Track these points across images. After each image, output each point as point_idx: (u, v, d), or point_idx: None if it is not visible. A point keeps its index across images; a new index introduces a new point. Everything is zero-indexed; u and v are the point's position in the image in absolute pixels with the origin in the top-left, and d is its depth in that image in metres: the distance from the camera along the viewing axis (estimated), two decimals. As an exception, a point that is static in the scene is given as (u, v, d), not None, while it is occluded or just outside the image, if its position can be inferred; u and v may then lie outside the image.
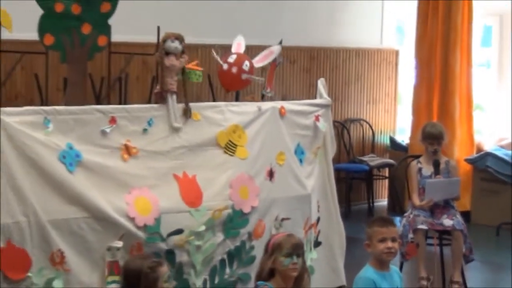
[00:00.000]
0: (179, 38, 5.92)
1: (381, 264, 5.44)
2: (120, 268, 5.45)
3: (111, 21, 6.83)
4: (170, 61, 5.88)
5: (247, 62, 6.55)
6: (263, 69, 6.86)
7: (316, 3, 10.90)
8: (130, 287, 4.74)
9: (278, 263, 5.20)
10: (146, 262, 4.86)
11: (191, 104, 6.18)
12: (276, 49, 6.86)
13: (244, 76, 6.58)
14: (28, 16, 6.95)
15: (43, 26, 6.37)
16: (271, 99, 6.81)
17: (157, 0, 9.18)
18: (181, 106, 5.96)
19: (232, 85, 6.80)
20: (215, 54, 6.53)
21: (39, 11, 6.36)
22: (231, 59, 6.53)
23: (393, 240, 5.36)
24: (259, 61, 6.79)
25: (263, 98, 6.85)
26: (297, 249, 5.29)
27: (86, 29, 6.50)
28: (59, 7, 6.34)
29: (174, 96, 5.90)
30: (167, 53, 5.89)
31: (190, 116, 5.99)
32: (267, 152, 6.40)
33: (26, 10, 7.25)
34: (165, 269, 4.84)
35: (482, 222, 10.23)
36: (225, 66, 6.50)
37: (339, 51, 11.32)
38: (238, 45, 6.79)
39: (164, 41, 5.90)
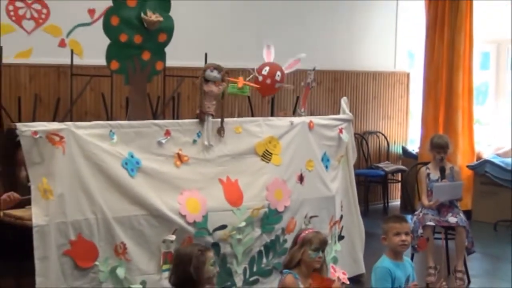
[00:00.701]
0: (218, 68, 5.92)
1: (396, 255, 5.40)
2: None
3: (166, 49, 6.85)
4: (209, 87, 5.88)
5: (279, 73, 6.56)
6: (299, 92, 6.85)
7: (338, 33, 10.86)
8: (181, 269, 4.71)
9: (306, 255, 5.17)
10: (196, 247, 4.85)
11: (235, 119, 6.19)
12: (302, 57, 6.82)
13: (277, 85, 6.57)
14: (96, 45, 6.98)
15: (110, 54, 6.39)
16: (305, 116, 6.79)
17: (205, 31, 9.19)
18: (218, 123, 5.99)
19: (267, 92, 6.79)
20: (252, 70, 6.53)
21: (106, 41, 6.37)
22: (265, 71, 6.52)
23: (406, 234, 5.34)
24: (287, 68, 6.76)
25: (294, 113, 6.82)
26: (323, 245, 5.27)
27: (146, 56, 6.52)
28: (123, 38, 6.36)
29: (210, 118, 5.90)
30: (207, 81, 5.89)
31: (223, 135, 5.97)
32: (297, 160, 6.38)
33: (95, 40, 7.29)
34: (211, 255, 4.82)
35: (481, 219, 10.14)
36: (260, 78, 6.48)
37: (358, 74, 11.27)
38: (268, 53, 6.74)
39: (205, 70, 5.91)
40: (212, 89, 5.88)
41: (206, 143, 5.86)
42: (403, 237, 5.31)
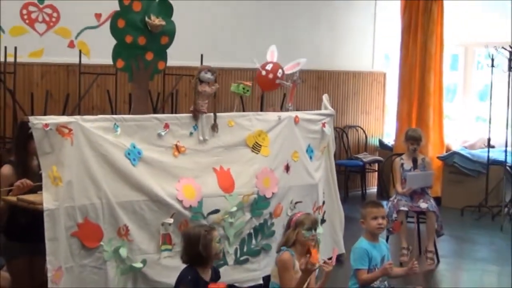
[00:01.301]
0: (211, 70, 5.89)
1: (372, 237, 5.41)
2: (172, 239, 5.46)
3: (166, 50, 6.84)
4: (203, 87, 5.85)
5: (280, 70, 6.57)
6: (286, 89, 6.85)
7: (322, 36, 10.85)
8: (191, 248, 4.73)
9: (300, 235, 5.16)
10: (203, 228, 4.87)
11: (228, 114, 6.18)
12: (302, 62, 6.82)
13: (277, 81, 6.56)
14: (102, 46, 6.96)
15: (116, 53, 6.36)
16: (290, 111, 6.78)
17: (200, 34, 9.17)
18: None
19: (267, 87, 6.79)
20: (256, 62, 6.50)
21: (111, 42, 6.35)
22: (269, 67, 6.51)
23: (383, 218, 5.37)
24: (288, 69, 6.76)
25: (282, 109, 6.81)
26: (315, 224, 5.27)
27: (149, 56, 6.49)
28: (128, 39, 6.33)
29: (204, 116, 5.87)
30: (201, 81, 5.86)
31: (217, 131, 5.95)
32: (284, 151, 6.37)
33: (101, 41, 7.27)
34: (216, 233, 4.84)
35: (450, 205, 10.16)
36: (264, 72, 6.46)
37: (340, 73, 11.26)
38: (272, 53, 6.74)
39: (199, 72, 5.88)
40: (205, 89, 5.86)
41: (201, 138, 5.84)
42: (380, 220, 5.33)
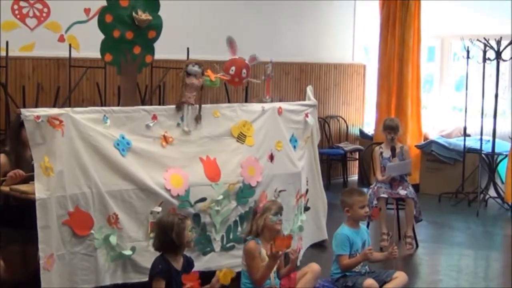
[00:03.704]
0: (199, 63, 5.88)
1: (354, 223, 5.44)
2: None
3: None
4: (190, 80, 5.84)
5: (244, 70, 6.41)
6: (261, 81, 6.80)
7: (304, 29, 10.83)
8: (164, 235, 4.72)
9: (268, 220, 5.20)
10: (176, 216, 4.86)
11: (213, 105, 6.16)
12: (257, 56, 6.62)
13: (245, 81, 6.50)
14: (91, 40, 6.92)
15: (104, 47, 6.33)
16: (270, 102, 6.76)
17: (186, 28, 9.14)
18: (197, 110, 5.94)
19: (237, 85, 6.69)
20: (218, 69, 6.38)
21: (100, 36, 6.31)
22: (232, 71, 6.35)
23: (368, 206, 5.42)
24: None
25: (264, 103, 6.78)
26: (281, 210, 5.35)
27: (137, 50, 6.47)
28: (116, 33, 6.30)
29: (190, 107, 5.85)
30: (189, 74, 5.84)
31: (200, 122, 5.92)
32: (268, 141, 6.36)
33: (90, 35, 7.23)
34: (189, 222, 4.84)
35: (428, 192, 10.19)
36: (228, 77, 6.36)
37: (322, 66, 11.26)
38: (232, 44, 6.52)
39: (187, 65, 5.86)
40: (193, 81, 5.84)
41: (186, 129, 5.82)
42: (367, 209, 5.40)
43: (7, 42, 7.30)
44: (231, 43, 6.40)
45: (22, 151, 5.35)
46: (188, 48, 8.24)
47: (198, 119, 5.91)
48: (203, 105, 5.97)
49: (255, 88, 9.54)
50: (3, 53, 7.32)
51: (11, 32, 7.80)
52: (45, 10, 8.11)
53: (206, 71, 5.98)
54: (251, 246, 5.16)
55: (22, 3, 7.94)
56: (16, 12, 7.92)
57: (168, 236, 4.71)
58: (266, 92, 6.81)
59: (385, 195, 7.44)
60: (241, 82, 6.46)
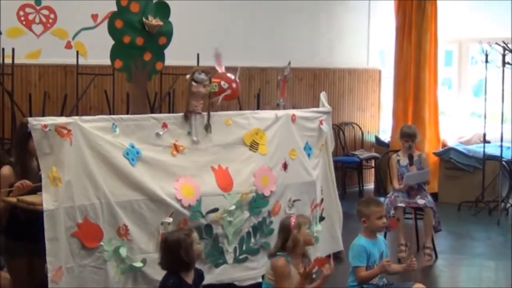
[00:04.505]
0: (205, 71, 5.86)
1: (371, 234, 5.41)
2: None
3: (163, 49, 6.83)
4: (197, 88, 5.82)
5: (233, 84, 6.35)
6: (277, 84, 6.80)
7: (318, 34, 10.84)
8: (171, 254, 4.65)
9: (305, 235, 5.14)
10: (182, 231, 4.80)
11: (225, 113, 6.15)
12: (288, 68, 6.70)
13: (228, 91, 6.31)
14: (99, 47, 6.95)
15: (114, 53, 6.35)
16: (284, 107, 6.76)
17: (197, 34, 9.15)
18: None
19: (236, 95, 6.58)
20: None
21: (108, 43, 6.33)
22: (224, 85, 6.16)
23: (385, 216, 5.38)
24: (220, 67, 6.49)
25: (278, 106, 6.78)
26: (310, 223, 5.29)
27: (147, 56, 6.49)
28: (126, 39, 6.33)
29: (197, 116, 5.84)
30: (196, 82, 5.83)
31: (210, 131, 5.91)
32: (282, 149, 6.36)
33: (98, 42, 7.26)
34: (195, 235, 4.76)
35: (447, 201, 10.15)
36: (229, 91, 6.26)
37: (335, 71, 11.26)
38: (218, 59, 6.46)
39: (193, 73, 5.84)
40: (199, 89, 5.82)
41: (195, 138, 5.81)
42: (385, 220, 5.35)
43: (13, 49, 7.34)
44: (217, 56, 6.35)
45: (28, 161, 5.36)
46: (198, 54, 8.25)
47: (207, 128, 5.90)
48: (214, 113, 5.96)
49: (267, 94, 9.56)
50: (9, 60, 7.36)
51: (17, 38, 7.85)
52: (52, 16, 8.14)
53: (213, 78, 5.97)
54: (282, 264, 5.05)
55: (28, 9, 7.98)
56: (22, 18, 7.96)
57: (176, 254, 4.61)
58: (280, 94, 6.80)
59: (402, 205, 7.42)
60: (237, 92, 6.36)
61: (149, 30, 6.36)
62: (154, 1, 6.49)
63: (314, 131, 6.76)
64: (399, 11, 11.08)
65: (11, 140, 7.09)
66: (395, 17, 11.15)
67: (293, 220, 5.17)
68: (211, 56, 7.68)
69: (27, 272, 5.27)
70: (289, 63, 6.86)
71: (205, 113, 5.89)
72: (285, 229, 5.17)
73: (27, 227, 5.16)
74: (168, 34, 6.57)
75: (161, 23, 6.40)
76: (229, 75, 6.26)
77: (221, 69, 6.32)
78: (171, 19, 6.60)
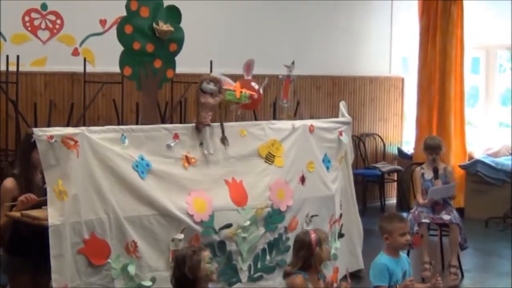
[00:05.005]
0: (214, 80, 5.82)
1: (394, 251, 5.39)
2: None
3: (174, 56, 6.85)
4: (205, 98, 5.80)
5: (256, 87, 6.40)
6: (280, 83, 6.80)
7: (337, 40, 10.86)
8: (178, 271, 4.71)
9: (326, 251, 5.14)
10: (190, 248, 4.84)
11: (239, 123, 6.15)
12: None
13: (261, 91, 6.37)
14: (107, 53, 6.98)
15: (123, 60, 6.38)
16: (300, 115, 6.74)
17: (209, 40, 9.19)
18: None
19: (257, 104, 6.63)
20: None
21: (117, 49, 6.36)
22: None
23: (408, 233, 5.36)
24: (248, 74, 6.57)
25: (295, 115, 6.76)
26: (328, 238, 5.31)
27: (158, 63, 6.52)
28: (136, 45, 6.36)
29: (207, 128, 5.85)
30: (204, 92, 5.83)
31: (227, 144, 5.92)
32: (299, 162, 6.35)
33: (106, 49, 7.29)
34: (206, 253, 4.78)
35: (473, 217, 10.11)
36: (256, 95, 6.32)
37: (356, 79, 11.26)
38: (247, 67, 6.55)
39: (201, 82, 5.83)
40: (208, 100, 5.79)
41: (206, 152, 5.81)
42: (408, 237, 5.32)
43: (17, 56, 7.38)
44: (249, 64, 6.38)
45: (32, 174, 5.38)
46: (211, 61, 8.28)
47: (224, 141, 5.90)
48: (227, 124, 5.96)
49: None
50: (14, 68, 7.40)
51: (22, 45, 7.90)
52: (58, 21, 8.20)
53: (233, 86, 5.96)
54: (299, 283, 5.06)
55: (33, 14, 8.03)
56: (27, 24, 8.02)
57: (180, 271, 4.67)
58: (283, 95, 6.78)
59: (427, 220, 7.40)
60: (260, 99, 6.41)
61: (159, 36, 6.39)
62: (165, 6, 6.52)
63: (333, 142, 6.76)
64: (423, 15, 11.06)
65: (15, 151, 7.13)
66: (418, 20, 11.14)
67: (314, 237, 5.16)
68: (224, 63, 7.74)
69: (31, 290, 5.30)
70: (293, 62, 6.83)
71: (215, 124, 5.88)
72: (306, 246, 5.15)
73: (30, 243, 5.18)
74: (179, 41, 6.59)
75: (172, 29, 6.43)
76: (253, 84, 6.29)
77: (247, 76, 6.35)
78: (182, 24, 6.63)
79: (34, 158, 5.22)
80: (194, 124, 5.84)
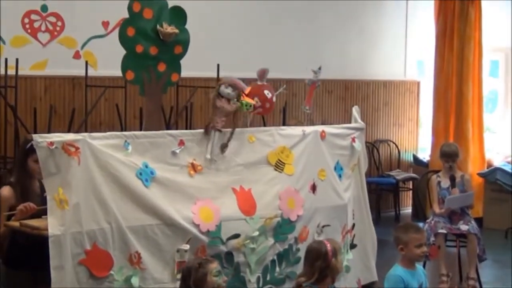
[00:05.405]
0: (233, 86, 5.83)
1: (410, 263, 5.38)
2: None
3: (179, 59, 6.86)
4: (222, 103, 5.81)
5: (268, 94, 6.38)
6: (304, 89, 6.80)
7: (349, 42, 10.86)
8: (182, 283, 4.74)
9: (340, 262, 5.14)
10: (196, 260, 4.85)
11: (248, 129, 6.15)
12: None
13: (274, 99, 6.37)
14: (110, 56, 6.99)
15: (126, 64, 6.39)
16: (311, 120, 6.75)
17: (217, 42, 9.19)
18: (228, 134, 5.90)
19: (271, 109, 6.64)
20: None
21: (120, 52, 6.37)
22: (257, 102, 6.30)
23: (425, 244, 5.34)
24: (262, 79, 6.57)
25: (302, 120, 6.77)
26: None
27: (162, 67, 6.52)
28: (139, 48, 6.36)
29: (217, 133, 5.84)
30: (221, 96, 5.84)
31: (225, 151, 5.88)
32: (310, 169, 6.34)
33: (109, 51, 7.31)
34: (213, 265, 4.79)
35: (492, 227, 10.10)
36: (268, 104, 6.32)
37: (369, 83, 11.26)
38: (262, 73, 6.54)
39: (220, 85, 5.85)
40: (224, 105, 5.81)
41: (208, 156, 5.82)
42: (425, 248, 5.31)
43: (16, 60, 7.40)
44: (263, 71, 6.37)
45: (30, 182, 5.40)
46: (218, 65, 8.28)
47: (223, 148, 5.90)
48: (236, 129, 5.96)
49: (294, 108, 9.56)
50: (13, 72, 7.42)
51: (21, 48, 7.93)
52: (59, 23, 8.22)
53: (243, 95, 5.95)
54: None
55: (33, 16, 8.06)
56: (27, 26, 8.05)
57: (186, 284, 4.70)
58: (306, 101, 6.79)
59: (444, 231, 7.39)
60: (272, 106, 6.41)
61: (163, 39, 6.40)
62: (169, 7, 6.53)
63: (346, 149, 6.75)
64: (440, 17, 11.06)
65: (14, 158, 7.15)
66: (435, 22, 11.14)
67: (328, 248, 5.15)
68: (232, 67, 7.74)
69: (30, 303, 5.31)
70: (320, 68, 6.84)
71: (226, 130, 5.89)
72: (322, 257, 5.15)
73: (29, 254, 5.19)
74: (185, 43, 6.60)
75: (176, 30, 6.43)
76: (266, 92, 6.27)
77: (260, 81, 6.35)
78: (188, 26, 6.64)
79: (30, 165, 5.24)
80: (201, 130, 5.85)
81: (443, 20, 11.05)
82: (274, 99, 6.36)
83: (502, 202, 10.28)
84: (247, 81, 6.23)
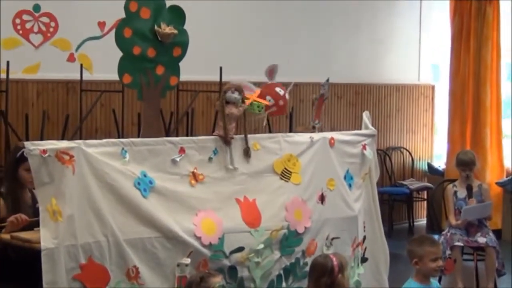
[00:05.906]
0: (238, 89, 5.85)
1: (424, 278, 5.38)
2: (189, 282, 5.44)
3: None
4: (230, 109, 5.82)
5: (282, 92, 6.44)
6: (312, 103, 6.82)
7: (360, 45, 10.88)
8: None
9: (347, 278, 5.14)
10: (199, 274, 4.85)
11: (252, 136, 6.15)
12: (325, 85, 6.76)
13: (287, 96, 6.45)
14: (106, 59, 7.00)
15: (122, 67, 6.40)
16: (320, 129, 6.76)
17: (219, 44, 9.20)
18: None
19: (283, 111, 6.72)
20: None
21: (117, 55, 6.38)
22: (271, 101, 6.38)
23: (440, 258, 5.34)
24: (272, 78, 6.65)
25: (313, 128, 6.79)
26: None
27: (160, 70, 6.54)
28: (136, 50, 6.38)
29: (232, 141, 5.86)
30: (227, 102, 5.85)
31: (250, 155, 5.93)
32: (318, 178, 6.34)
33: (105, 54, 7.32)
34: (216, 280, 4.79)
35: (512, 240, 10.10)
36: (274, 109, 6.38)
37: (381, 87, 11.26)
38: (271, 72, 6.61)
39: (225, 91, 5.84)
40: (232, 111, 5.81)
41: (230, 167, 5.83)
42: (440, 262, 5.30)
43: (7, 62, 7.41)
44: (272, 69, 6.42)
45: (21, 192, 5.40)
46: (221, 68, 8.29)
47: (247, 152, 5.92)
48: (238, 136, 5.97)
49: (301, 114, 9.57)
50: (3, 75, 7.43)
51: (13, 50, 7.93)
52: (52, 24, 8.24)
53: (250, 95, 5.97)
54: None
55: (25, 16, 8.07)
56: (19, 27, 8.06)
57: None
58: (315, 115, 6.80)
59: (460, 243, 7.39)
60: (286, 106, 6.46)
61: (161, 40, 6.41)
62: (167, 6, 6.53)
63: (356, 157, 6.75)
64: (456, 18, 11.08)
65: (4, 167, 7.16)
66: (450, 22, 11.15)
67: (335, 264, 5.15)
68: (235, 70, 7.74)
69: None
70: (328, 80, 6.86)
71: (238, 136, 5.89)
72: (328, 273, 5.15)
73: (21, 269, 5.19)
74: (184, 44, 6.61)
75: (175, 31, 6.45)
76: (277, 89, 6.31)
77: (271, 81, 6.38)
78: (188, 26, 6.65)
79: (21, 175, 5.23)
80: (205, 137, 5.85)
81: (459, 21, 11.06)
82: (287, 96, 6.38)
83: (522, 213, 10.29)
84: (254, 84, 6.25)
